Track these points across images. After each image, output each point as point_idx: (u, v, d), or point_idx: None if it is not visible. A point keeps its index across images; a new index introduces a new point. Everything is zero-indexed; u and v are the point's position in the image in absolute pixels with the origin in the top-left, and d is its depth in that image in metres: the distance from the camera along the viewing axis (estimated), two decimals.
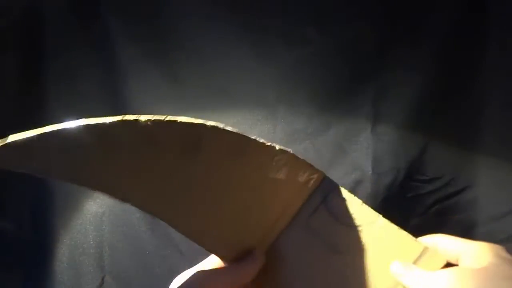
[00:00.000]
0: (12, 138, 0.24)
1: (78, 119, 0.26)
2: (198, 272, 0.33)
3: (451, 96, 0.48)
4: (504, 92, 0.47)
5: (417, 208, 0.48)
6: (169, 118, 0.28)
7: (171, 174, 0.30)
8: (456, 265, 0.31)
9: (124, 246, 0.53)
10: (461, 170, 0.48)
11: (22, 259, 0.54)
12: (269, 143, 0.31)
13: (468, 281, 0.28)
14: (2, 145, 0.24)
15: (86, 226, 0.53)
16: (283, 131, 0.50)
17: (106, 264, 0.53)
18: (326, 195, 0.34)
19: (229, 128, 0.29)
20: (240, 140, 0.30)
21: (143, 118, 0.27)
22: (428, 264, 0.32)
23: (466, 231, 0.48)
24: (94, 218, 0.53)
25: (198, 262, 0.36)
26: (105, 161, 0.28)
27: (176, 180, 0.30)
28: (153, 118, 0.27)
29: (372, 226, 0.34)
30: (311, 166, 0.33)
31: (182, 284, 0.31)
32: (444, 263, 0.32)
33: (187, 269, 0.36)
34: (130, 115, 0.27)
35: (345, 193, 0.34)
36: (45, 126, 0.25)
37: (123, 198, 0.29)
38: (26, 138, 0.24)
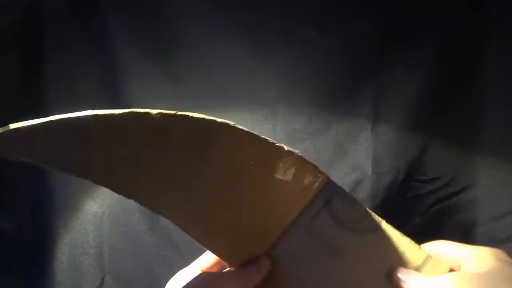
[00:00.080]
0: (14, 126, 0.24)
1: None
2: (204, 274, 0.33)
3: (451, 96, 0.48)
4: (504, 92, 0.47)
5: (417, 208, 0.48)
6: (180, 113, 0.27)
7: (179, 170, 0.29)
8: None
9: (124, 246, 0.53)
10: (461, 170, 0.48)
11: (22, 259, 0.54)
12: (278, 144, 0.31)
13: (469, 285, 0.28)
14: (5, 131, 0.24)
15: (86, 226, 0.53)
16: (283, 131, 0.50)
17: (106, 264, 0.53)
18: (330, 199, 0.34)
19: (239, 126, 0.29)
20: (250, 139, 0.30)
21: (153, 111, 0.27)
22: (431, 271, 0.32)
23: (466, 231, 0.48)
24: (94, 218, 0.53)
25: None
26: (111, 154, 0.27)
27: (184, 177, 0.30)
28: (164, 112, 0.27)
29: (375, 232, 0.33)
30: (316, 168, 0.33)
31: (186, 285, 0.31)
32: (447, 271, 0.32)
33: None
34: (140, 109, 0.26)
35: (349, 197, 0.34)
36: None
37: (128, 194, 0.29)
38: (31, 125, 0.24)
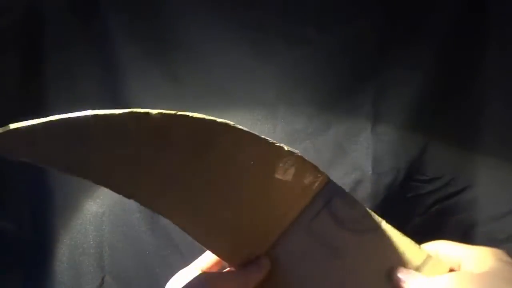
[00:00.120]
0: (14, 125, 0.24)
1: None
2: (204, 274, 0.33)
3: (451, 96, 0.48)
4: (504, 92, 0.47)
5: (417, 208, 0.48)
6: (180, 113, 0.27)
7: (179, 170, 0.29)
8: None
9: (124, 246, 0.53)
10: (461, 170, 0.48)
11: (22, 259, 0.54)
12: (278, 144, 0.31)
13: (469, 285, 0.28)
14: (5, 131, 0.24)
15: (86, 226, 0.53)
16: (283, 131, 0.50)
17: (106, 264, 0.53)
18: (330, 199, 0.34)
19: (239, 126, 0.29)
20: (250, 139, 0.30)
21: (153, 111, 0.27)
22: (431, 272, 0.32)
23: (466, 231, 0.48)
24: (94, 218, 0.53)
25: None
26: (111, 154, 0.27)
27: (184, 177, 0.30)
28: (164, 112, 0.27)
29: (375, 232, 0.33)
30: (316, 168, 0.33)
31: (186, 285, 0.31)
32: (447, 271, 0.32)
33: None
34: (140, 109, 0.26)
35: (349, 197, 0.34)
36: None
37: (128, 194, 0.29)
38: (31, 125, 0.24)
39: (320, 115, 0.50)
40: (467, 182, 0.48)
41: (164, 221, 0.50)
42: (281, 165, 0.31)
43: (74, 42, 0.54)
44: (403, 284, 0.31)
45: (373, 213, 0.34)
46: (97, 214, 0.53)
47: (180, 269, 0.36)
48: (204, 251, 0.36)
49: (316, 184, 0.33)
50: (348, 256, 0.33)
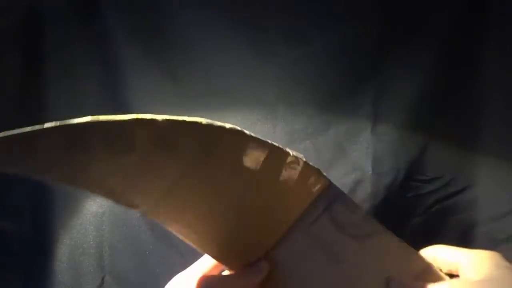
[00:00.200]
0: (3, 134, 0.21)
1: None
2: (203, 277, 0.33)
3: (451, 96, 0.48)
4: (504, 92, 0.47)
5: (417, 208, 0.48)
6: (188, 119, 0.26)
7: (183, 177, 0.28)
8: (457, 275, 0.31)
9: (124, 246, 0.53)
10: (461, 170, 0.48)
11: (22, 259, 0.54)
12: (284, 148, 0.30)
13: None
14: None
15: (86, 226, 0.53)
16: (283, 131, 0.50)
17: (106, 264, 0.53)
18: (330, 204, 0.33)
19: (246, 131, 0.28)
20: (256, 144, 0.29)
21: (159, 117, 0.25)
22: (429, 279, 0.31)
23: (466, 231, 0.48)
24: (94, 218, 0.53)
25: None
26: (113, 164, 0.26)
27: (188, 183, 0.29)
28: (170, 118, 0.25)
29: (375, 238, 0.33)
30: (319, 172, 0.32)
31: None
32: (445, 278, 0.32)
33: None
34: (144, 114, 0.25)
35: (349, 202, 0.34)
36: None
37: (129, 204, 0.28)
38: (27, 132, 0.22)
39: (320, 115, 0.50)
40: (467, 182, 0.48)
41: None
42: (286, 169, 0.31)
43: (74, 42, 0.54)
44: None
45: (373, 219, 0.33)
46: (97, 214, 0.53)
47: (180, 269, 0.36)
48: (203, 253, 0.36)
49: (317, 188, 0.33)
50: (347, 261, 0.33)
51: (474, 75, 0.48)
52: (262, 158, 0.30)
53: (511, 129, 0.47)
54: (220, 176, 0.30)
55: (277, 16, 0.50)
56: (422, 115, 0.48)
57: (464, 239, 0.47)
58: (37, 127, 0.22)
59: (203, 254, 0.37)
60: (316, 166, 0.33)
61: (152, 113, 0.26)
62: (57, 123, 0.22)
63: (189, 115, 0.28)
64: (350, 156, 0.49)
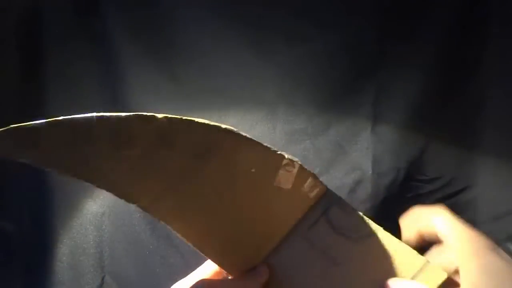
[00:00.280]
0: (16, 126, 0.24)
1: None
2: (202, 281, 0.33)
3: (451, 96, 0.48)
4: (504, 92, 0.47)
5: None
6: (186, 118, 0.27)
7: (181, 175, 0.29)
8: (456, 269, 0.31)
9: (124, 246, 0.53)
10: (461, 170, 0.48)
11: (22, 259, 0.54)
12: (279, 151, 0.31)
13: None
14: (6, 131, 0.23)
15: (86, 226, 0.53)
16: (283, 131, 0.50)
17: (106, 264, 0.53)
18: (328, 208, 0.34)
19: (242, 133, 0.29)
20: (251, 145, 0.30)
21: (159, 115, 0.26)
22: (429, 279, 0.32)
23: None
24: (94, 218, 0.53)
25: (198, 263, 0.36)
26: (114, 159, 0.27)
27: (186, 182, 0.30)
28: (169, 116, 0.27)
29: (372, 239, 0.33)
30: (315, 177, 0.33)
31: None
32: (444, 277, 0.32)
33: (187, 269, 0.36)
34: (145, 113, 0.26)
35: (346, 206, 0.34)
36: None
37: (129, 199, 0.29)
38: (34, 125, 0.24)
39: (320, 115, 0.50)
40: (467, 182, 0.48)
41: None
42: (281, 172, 0.31)
43: (74, 42, 0.54)
44: None
45: (371, 221, 0.34)
46: (97, 214, 0.53)
47: (181, 269, 0.36)
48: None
49: (315, 193, 0.33)
50: (346, 263, 0.33)
51: (474, 75, 0.48)
52: (257, 160, 0.30)
53: (511, 129, 0.47)
54: (218, 175, 0.30)
55: (277, 15, 0.50)
56: (422, 115, 0.48)
57: None
58: (43, 120, 0.24)
59: (203, 253, 0.37)
60: (316, 166, 0.33)
61: (151, 111, 0.27)
62: (63, 118, 0.24)
63: (189, 114, 0.28)
64: (350, 156, 0.49)
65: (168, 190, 0.29)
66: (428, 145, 0.48)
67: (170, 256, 0.51)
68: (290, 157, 0.31)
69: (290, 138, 0.50)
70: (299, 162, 0.31)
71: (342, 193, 0.37)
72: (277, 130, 0.51)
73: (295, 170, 0.31)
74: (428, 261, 0.32)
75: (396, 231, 0.35)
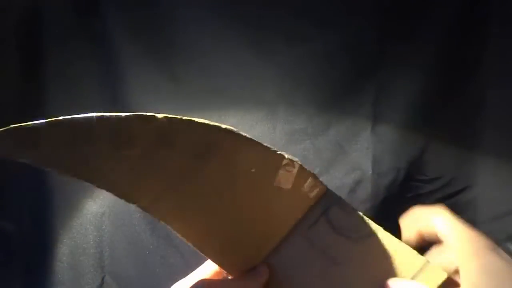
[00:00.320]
0: (16, 126, 0.24)
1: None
2: (202, 281, 0.33)
3: (451, 96, 0.48)
4: (504, 92, 0.47)
5: None
6: (185, 118, 0.27)
7: (181, 175, 0.29)
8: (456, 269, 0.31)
9: (124, 246, 0.53)
10: (461, 170, 0.48)
11: (22, 259, 0.54)
12: (279, 151, 0.31)
13: None
14: (6, 131, 0.23)
15: (86, 226, 0.53)
16: (283, 131, 0.50)
17: (106, 264, 0.53)
18: (328, 208, 0.34)
19: (242, 133, 0.29)
20: (251, 145, 0.30)
21: (159, 115, 0.26)
22: (429, 279, 0.32)
23: None
24: (94, 218, 0.53)
25: (198, 263, 0.36)
26: (114, 159, 0.27)
27: (186, 182, 0.30)
28: (169, 116, 0.27)
29: (372, 239, 0.33)
30: (315, 177, 0.33)
31: None
32: (444, 277, 0.32)
33: (187, 269, 0.36)
34: (145, 113, 0.26)
35: (346, 205, 0.34)
36: None
37: (129, 199, 0.29)
38: (34, 124, 0.24)
39: (320, 115, 0.50)
40: (467, 182, 0.48)
41: None
42: (281, 172, 0.31)
43: (74, 42, 0.54)
44: None
45: (370, 221, 0.34)
46: (97, 214, 0.53)
47: (181, 269, 0.36)
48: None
49: (315, 193, 0.33)
50: (346, 263, 0.33)
51: (473, 75, 0.48)
52: (257, 160, 0.30)
53: (511, 129, 0.47)
54: (218, 175, 0.30)
55: (277, 15, 0.50)
56: (422, 115, 0.48)
57: None
58: (43, 120, 0.24)
59: (203, 253, 0.37)
60: (316, 166, 0.33)
61: (151, 111, 0.27)
62: (63, 118, 0.24)
63: (189, 114, 0.28)
64: (350, 156, 0.49)
65: (168, 190, 0.30)
66: (428, 145, 0.48)
67: (170, 256, 0.51)
68: (290, 157, 0.31)
69: (290, 138, 0.50)
70: (299, 162, 0.31)
71: (342, 193, 0.37)
72: (277, 130, 0.51)
73: (295, 170, 0.32)
74: (428, 261, 0.32)
75: (396, 231, 0.35)
